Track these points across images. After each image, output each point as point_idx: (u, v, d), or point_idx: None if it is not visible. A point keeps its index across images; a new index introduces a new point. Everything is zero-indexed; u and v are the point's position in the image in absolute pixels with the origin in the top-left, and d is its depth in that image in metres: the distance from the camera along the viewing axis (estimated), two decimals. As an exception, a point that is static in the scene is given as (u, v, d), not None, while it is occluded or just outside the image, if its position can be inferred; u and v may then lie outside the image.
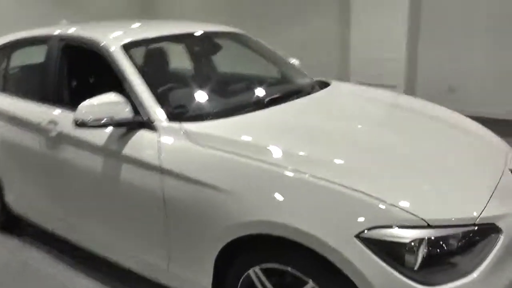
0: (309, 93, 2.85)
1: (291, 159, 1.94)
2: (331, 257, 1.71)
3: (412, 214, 1.69)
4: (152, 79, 2.56)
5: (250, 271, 1.98)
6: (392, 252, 1.66)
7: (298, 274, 1.85)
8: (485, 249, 1.77)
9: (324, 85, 3.09)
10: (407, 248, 1.65)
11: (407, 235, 1.66)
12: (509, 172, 2.16)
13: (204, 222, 2.03)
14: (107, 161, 2.41)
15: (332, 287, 1.78)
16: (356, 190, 1.75)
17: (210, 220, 2.00)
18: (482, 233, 1.77)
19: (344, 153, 2.04)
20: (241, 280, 2.03)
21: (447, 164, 2.07)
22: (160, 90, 2.54)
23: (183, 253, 2.20)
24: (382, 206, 1.71)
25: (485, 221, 1.78)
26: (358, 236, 1.68)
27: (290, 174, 1.87)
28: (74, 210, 2.74)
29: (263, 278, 1.96)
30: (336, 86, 3.11)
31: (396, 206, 1.70)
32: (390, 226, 1.67)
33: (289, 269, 1.87)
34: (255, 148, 2.04)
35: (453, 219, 1.72)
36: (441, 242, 1.69)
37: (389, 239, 1.66)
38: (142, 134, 2.31)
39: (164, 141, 2.22)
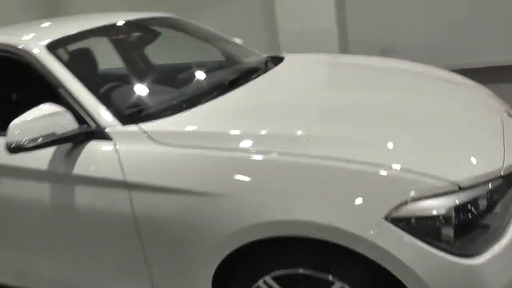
0: (266, 71, 2.59)
1: (282, 143, 1.67)
2: (359, 248, 1.46)
3: (441, 179, 1.47)
4: (90, 79, 2.19)
5: (260, 283, 1.68)
6: (426, 228, 1.45)
7: (317, 275, 1.59)
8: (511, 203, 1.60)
9: (277, 60, 2.84)
10: (442, 220, 1.44)
11: (439, 205, 1.45)
12: (507, 115, 2.02)
13: (190, 237, 1.71)
14: (57, 187, 1.98)
15: (364, 281, 1.54)
16: (370, 164, 1.51)
17: (199, 233, 1.69)
18: (506, 185, 1.60)
19: (334, 125, 1.81)
20: None
21: (450, 118, 1.89)
22: (102, 91, 2.17)
23: (170, 278, 1.86)
24: (405, 177, 1.48)
25: (509, 171, 1.60)
26: (386, 218, 1.44)
27: (288, 160, 1.60)
28: (30, 254, 2.24)
29: None
30: (291, 59, 2.87)
31: (421, 174, 1.48)
32: (419, 198, 1.45)
33: (300, 271, 1.61)
34: (234, 137, 1.75)
35: (482, 175, 1.53)
36: (471, 205, 1.49)
37: (421, 214, 1.44)
38: (94, 146, 1.92)
39: (123, 149, 1.86)
